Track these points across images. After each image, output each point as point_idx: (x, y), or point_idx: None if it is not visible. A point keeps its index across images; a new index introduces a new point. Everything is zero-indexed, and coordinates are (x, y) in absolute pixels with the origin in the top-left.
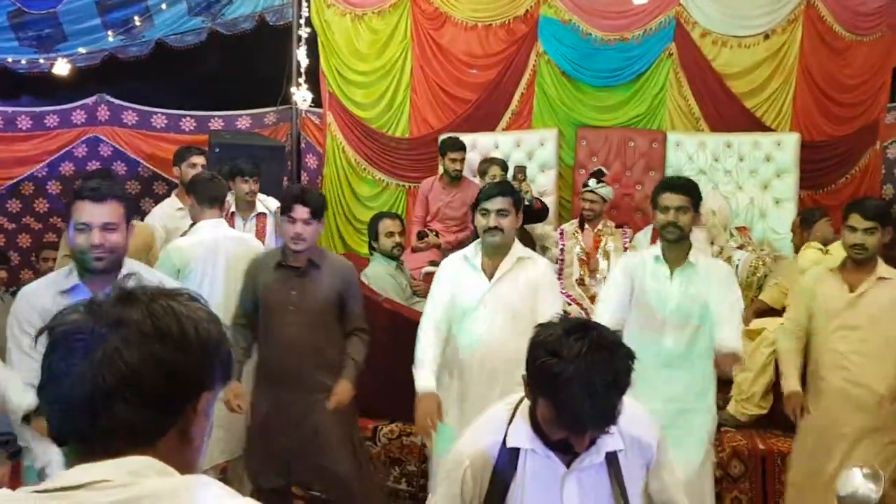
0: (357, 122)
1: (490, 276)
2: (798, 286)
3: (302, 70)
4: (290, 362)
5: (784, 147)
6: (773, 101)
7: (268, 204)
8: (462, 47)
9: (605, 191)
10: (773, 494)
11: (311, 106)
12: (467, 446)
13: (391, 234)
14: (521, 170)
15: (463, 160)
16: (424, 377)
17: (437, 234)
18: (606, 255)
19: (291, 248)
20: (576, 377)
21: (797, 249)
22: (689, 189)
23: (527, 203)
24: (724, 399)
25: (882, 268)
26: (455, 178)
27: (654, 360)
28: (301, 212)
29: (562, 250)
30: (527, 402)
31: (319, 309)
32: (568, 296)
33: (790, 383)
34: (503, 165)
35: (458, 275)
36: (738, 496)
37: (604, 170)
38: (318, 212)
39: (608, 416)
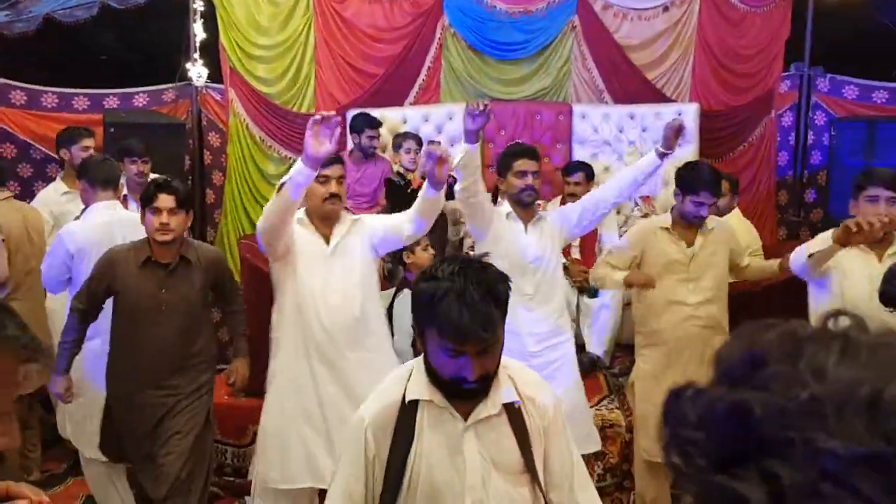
0: (261, 98)
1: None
2: (633, 238)
3: (198, 45)
4: (153, 364)
5: (684, 117)
6: (673, 73)
7: None
8: (366, 20)
9: None
10: None
11: (210, 81)
12: (368, 407)
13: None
14: (434, 144)
15: (376, 136)
16: None
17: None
18: None
19: (157, 241)
20: (451, 290)
21: (722, 214)
22: (537, 155)
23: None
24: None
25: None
26: (370, 155)
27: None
28: (165, 200)
29: None
30: (423, 357)
31: (191, 308)
32: None
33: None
34: (418, 139)
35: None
36: None
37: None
38: (184, 201)
39: (486, 323)
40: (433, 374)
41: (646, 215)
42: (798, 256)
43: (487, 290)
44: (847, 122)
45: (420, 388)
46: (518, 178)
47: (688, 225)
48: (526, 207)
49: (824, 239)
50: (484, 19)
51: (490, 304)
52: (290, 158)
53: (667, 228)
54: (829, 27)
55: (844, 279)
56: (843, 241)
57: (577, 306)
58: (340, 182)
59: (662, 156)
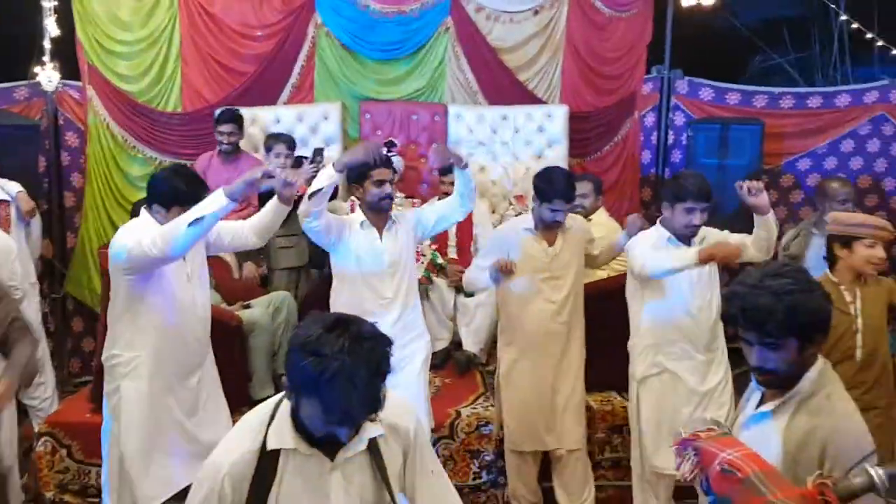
0: (122, 97)
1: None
2: (495, 243)
3: (48, 40)
4: None
5: (554, 118)
6: (543, 75)
7: (9, 189)
8: (236, 17)
9: (395, 160)
10: None
11: (68, 79)
12: (224, 454)
13: None
14: (319, 152)
15: (232, 133)
16: None
17: None
18: None
19: None
20: (340, 372)
21: (588, 215)
22: (392, 163)
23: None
24: None
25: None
26: (227, 153)
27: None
28: None
29: None
30: (286, 403)
31: None
32: None
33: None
34: (289, 142)
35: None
36: None
37: (394, 140)
38: None
39: (375, 403)
40: (301, 426)
41: (519, 214)
42: (660, 266)
43: (377, 368)
44: (702, 123)
45: (283, 436)
46: (376, 186)
47: (549, 227)
48: (381, 214)
49: (684, 257)
50: (357, 19)
51: (378, 382)
52: (155, 159)
53: (529, 230)
54: (688, 32)
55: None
56: (706, 262)
57: (455, 305)
58: None
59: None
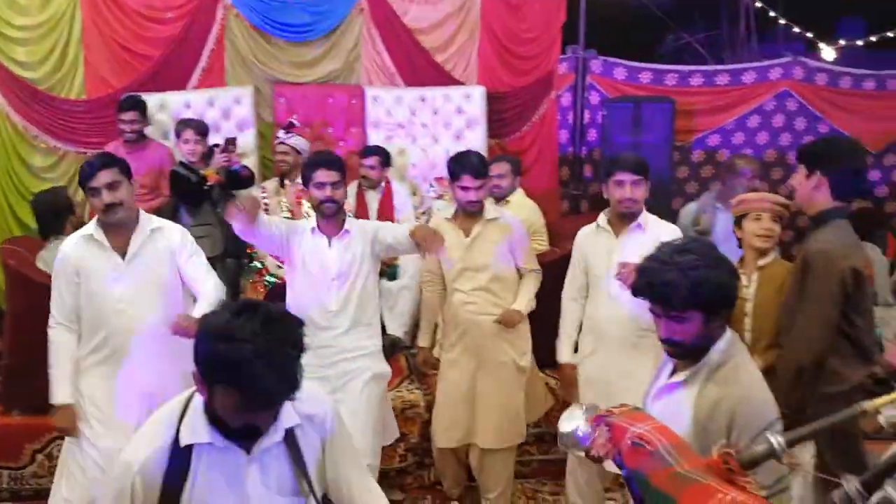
0: (21, 84)
1: None
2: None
3: None
4: None
5: (472, 99)
6: (460, 55)
7: None
8: (140, 0)
9: (296, 140)
10: None
11: None
12: (134, 452)
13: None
14: (231, 141)
15: (135, 121)
16: None
17: None
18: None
19: None
20: (257, 356)
21: (505, 195)
22: (339, 165)
23: (234, 170)
24: None
25: (490, 211)
26: (132, 141)
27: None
28: None
29: (266, 208)
30: (199, 396)
31: None
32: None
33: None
34: (198, 128)
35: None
36: None
37: (293, 121)
38: None
39: (294, 382)
40: (215, 419)
41: (440, 196)
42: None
43: (292, 347)
44: (616, 102)
45: (197, 430)
46: (317, 189)
47: (468, 215)
48: (328, 219)
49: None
50: (267, 0)
51: (295, 360)
52: (58, 149)
53: (448, 219)
54: (602, 12)
55: (590, 257)
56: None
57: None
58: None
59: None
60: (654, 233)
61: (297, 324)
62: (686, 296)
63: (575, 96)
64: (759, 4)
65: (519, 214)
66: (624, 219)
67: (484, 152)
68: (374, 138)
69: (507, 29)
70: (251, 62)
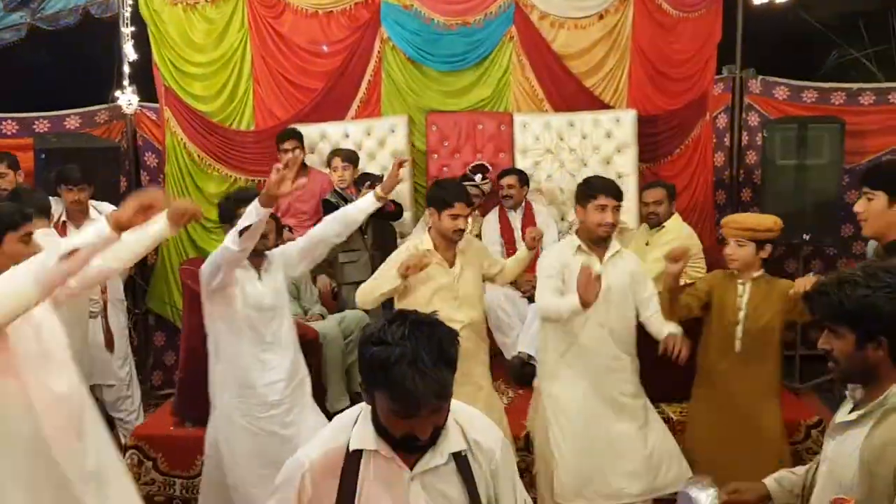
0: (197, 117)
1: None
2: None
3: (127, 64)
4: None
5: (622, 123)
6: (609, 79)
7: (102, 209)
8: (304, 36)
9: (488, 187)
10: None
11: (144, 101)
12: (309, 451)
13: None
14: (368, 177)
15: (295, 149)
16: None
17: (290, 230)
18: None
19: None
20: (403, 356)
21: (661, 221)
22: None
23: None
24: None
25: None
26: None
27: None
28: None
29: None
30: (369, 408)
31: None
32: None
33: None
34: (346, 156)
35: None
36: None
37: (487, 165)
38: None
39: (440, 390)
40: (381, 428)
41: None
42: (546, 311)
43: (440, 353)
44: (778, 123)
45: (365, 437)
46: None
47: (447, 245)
48: (257, 255)
49: (567, 305)
50: (422, 32)
51: (442, 367)
52: (230, 177)
53: (429, 250)
54: (759, 29)
55: (572, 278)
56: (588, 305)
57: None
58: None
59: (380, 199)
60: (632, 259)
61: (446, 332)
62: (844, 310)
63: (732, 118)
64: None
65: (676, 241)
66: (601, 242)
67: (634, 177)
68: (522, 164)
69: (659, 50)
70: (405, 92)
